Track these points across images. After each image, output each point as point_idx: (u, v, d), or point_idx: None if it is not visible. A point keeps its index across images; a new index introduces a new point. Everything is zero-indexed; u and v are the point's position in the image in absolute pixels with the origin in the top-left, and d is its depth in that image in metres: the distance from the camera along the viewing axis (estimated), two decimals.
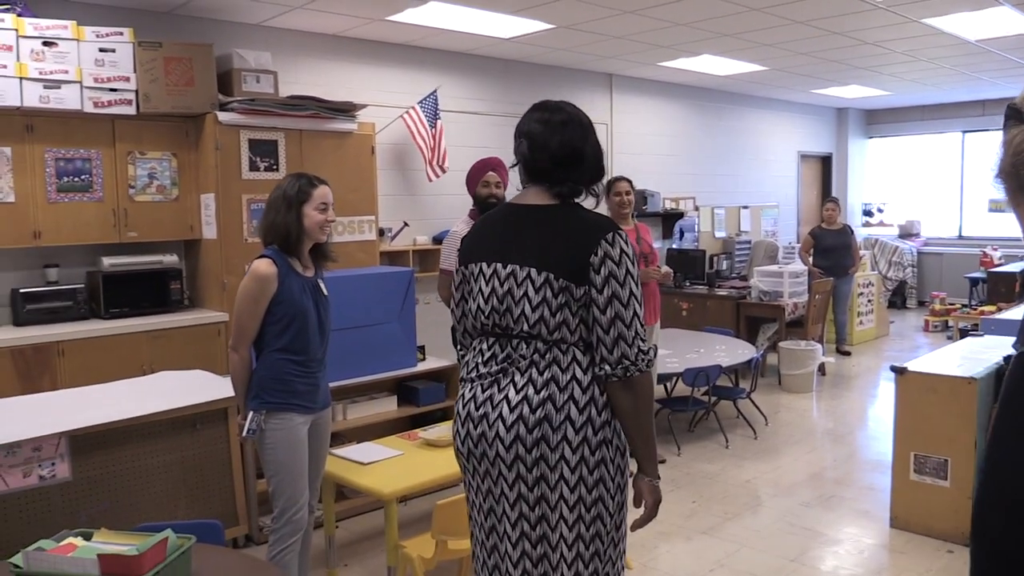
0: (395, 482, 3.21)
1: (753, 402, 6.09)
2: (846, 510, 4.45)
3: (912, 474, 4.09)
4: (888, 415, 6.29)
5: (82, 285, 5.04)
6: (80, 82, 4.72)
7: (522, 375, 2.04)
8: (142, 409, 3.54)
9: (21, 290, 4.83)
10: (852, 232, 8.57)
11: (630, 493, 2.14)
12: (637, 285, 2.00)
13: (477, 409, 2.09)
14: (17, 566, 2.10)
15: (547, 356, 2.03)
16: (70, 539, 2.28)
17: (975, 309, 8.99)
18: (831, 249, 8.23)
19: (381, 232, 6.43)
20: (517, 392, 2.03)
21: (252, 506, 3.95)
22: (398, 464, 3.45)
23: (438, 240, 7.07)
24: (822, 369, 7.54)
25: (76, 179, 4.89)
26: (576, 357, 2.02)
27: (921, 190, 12.55)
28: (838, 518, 4.35)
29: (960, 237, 12.03)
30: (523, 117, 2.18)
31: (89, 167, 4.93)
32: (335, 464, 3.41)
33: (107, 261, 5.06)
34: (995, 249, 10.64)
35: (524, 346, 2.05)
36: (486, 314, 2.10)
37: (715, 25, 6.44)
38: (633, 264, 2.00)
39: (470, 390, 2.13)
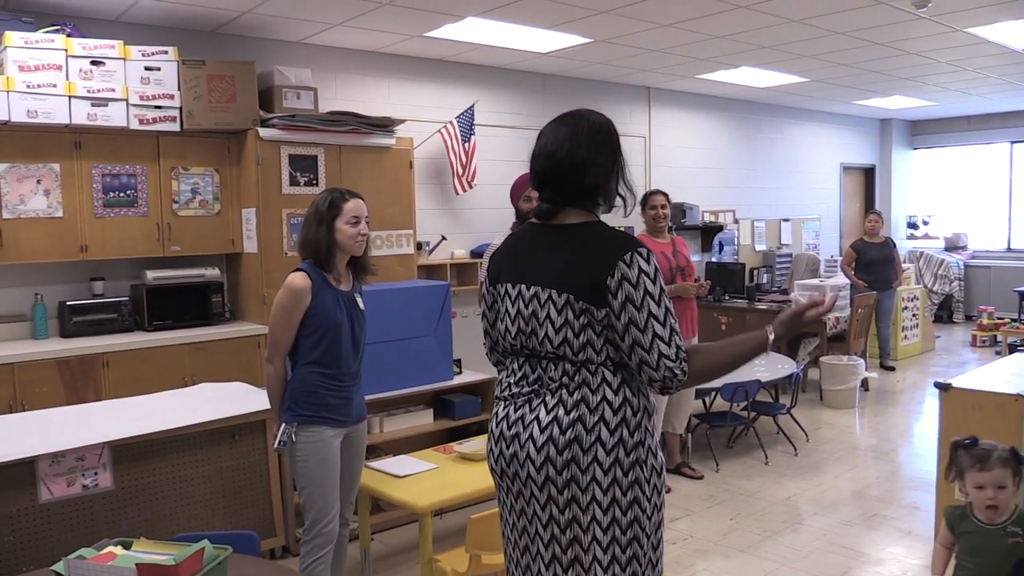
0: (430, 496, 3.21)
1: (793, 418, 6.00)
2: (889, 529, 4.35)
3: (957, 493, 3.97)
4: (933, 432, 6.14)
5: (127, 298, 5.15)
6: (126, 100, 4.85)
7: (552, 396, 2.02)
8: (182, 420, 3.60)
9: (68, 303, 4.95)
10: (895, 245, 8.41)
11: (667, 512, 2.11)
12: (659, 303, 1.92)
13: (509, 429, 2.08)
14: (59, 573, 2.15)
15: (576, 378, 2.00)
16: (110, 548, 2.32)
17: (1023, 323, 8.76)
18: (874, 262, 8.08)
19: (419, 246, 6.48)
20: (548, 413, 2.01)
21: (289, 517, 3.98)
22: (433, 477, 3.45)
23: (476, 254, 7.10)
24: (865, 385, 7.40)
25: (122, 194, 5.01)
26: (606, 378, 1.99)
27: (968, 202, 12.28)
28: (881, 537, 4.25)
29: (1009, 250, 11.73)
30: None
31: (134, 183, 5.05)
32: (370, 476, 3.43)
33: (151, 274, 5.17)
34: None
35: (553, 367, 2.03)
36: (513, 335, 2.10)
37: (754, 37, 6.39)
38: (654, 282, 1.93)
39: (503, 409, 2.12)
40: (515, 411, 2.07)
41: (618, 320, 1.92)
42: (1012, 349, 8.39)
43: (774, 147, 10.47)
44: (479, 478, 3.43)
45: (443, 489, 3.32)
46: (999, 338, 9.35)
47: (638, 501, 1.99)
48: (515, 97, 7.55)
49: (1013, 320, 9.60)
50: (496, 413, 2.15)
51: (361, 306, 3.13)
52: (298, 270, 2.97)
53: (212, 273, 5.41)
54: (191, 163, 5.25)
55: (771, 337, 2.04)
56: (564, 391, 2.00)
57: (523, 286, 2.07)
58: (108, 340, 4.86)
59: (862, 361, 7.09)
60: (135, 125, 4.90)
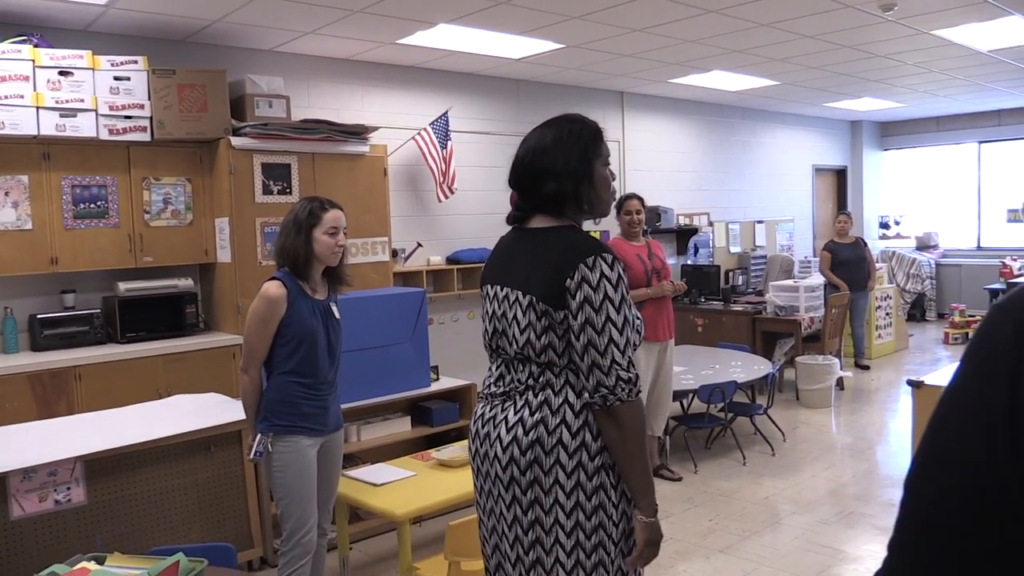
0: (408, 503, 3.20)
1: (770, 418, 6.04)
2: (867, 527, 4.39)
3: None
4: (908, 430, 6.22)
5: (98, 310, 5.09)
6: (96, 110, 4.80)
7: (520, 397, 2.04)
8: (156, 433, 3.56)
9: (39, 316, 4.88)
10: (866, 244, 8.50)
11: None
12: (619, 310, 1.91)
13: (483, 427, 2.12)
14: None
15: (540, 379, 2.01)
16: (83, 563, 2.29)
17: None
18: (846, 262, 8.16)
19: (395, 253, 6.46)
20: (515, 414, 2.03)
21: (267, 528, 3.95)
22: (411, 485, 3.44)
23: (452, 260, 7.09)
24: (840, 384, 7.47)
25: (92, 205, 4.95)
26: (569, 380, 1.99)
27: (938, 201, 12.46)
28: (858, 535, 4.29)
29: (979, 248, 11.91)
30: None
31: (105, 193, 4.99)
32: (348, 485, 3.41)
33: (123, 286, 5.11)
34: (1015, 259, 10.53)
35: (521, 368, 2.05)
36: (490, 335, 2.14)
37: (724, 41, 6.45)
38: (616, 288, 1.92)
39: (481, 408, 2.17)
40: (490, 411, 2.11)
41: (575, 320, 1.92)
42: None
43: (747, 150, 10.56)
44: (457, 485, 3.43)
45: (421, 496, 3.31)
46: (970, 335, 9.47)
47: (603, 507, 1.98)
48: (489, 103, 7.56)
49: None
50: (475, 411, 2.20)
51: (337, 315, 3.12)
52: (273, 279, 2.95)
53: (185, 283, 5.36)
54: (162, 173, 5.21)
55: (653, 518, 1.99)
56: (530, 393, 2.02)
57: (498, 287, 2.11)
58: (80, 353, 4.79)
59: (837, 361, 7.16)
60: (105, 135, 4.85)
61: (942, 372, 4.36)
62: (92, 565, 2.30)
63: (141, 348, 4.95)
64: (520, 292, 2.02)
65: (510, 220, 2.16)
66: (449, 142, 6.70)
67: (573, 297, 1.92)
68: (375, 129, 5.91)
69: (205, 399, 4.22)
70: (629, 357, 1.93)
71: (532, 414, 2.00)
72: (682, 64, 7.32)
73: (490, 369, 2.19)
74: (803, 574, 3.85)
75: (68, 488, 3.33)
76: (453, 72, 7.20)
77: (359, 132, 5.76)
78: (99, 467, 3.39)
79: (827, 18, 5.82)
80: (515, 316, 2.03)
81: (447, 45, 6.17)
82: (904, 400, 7.23)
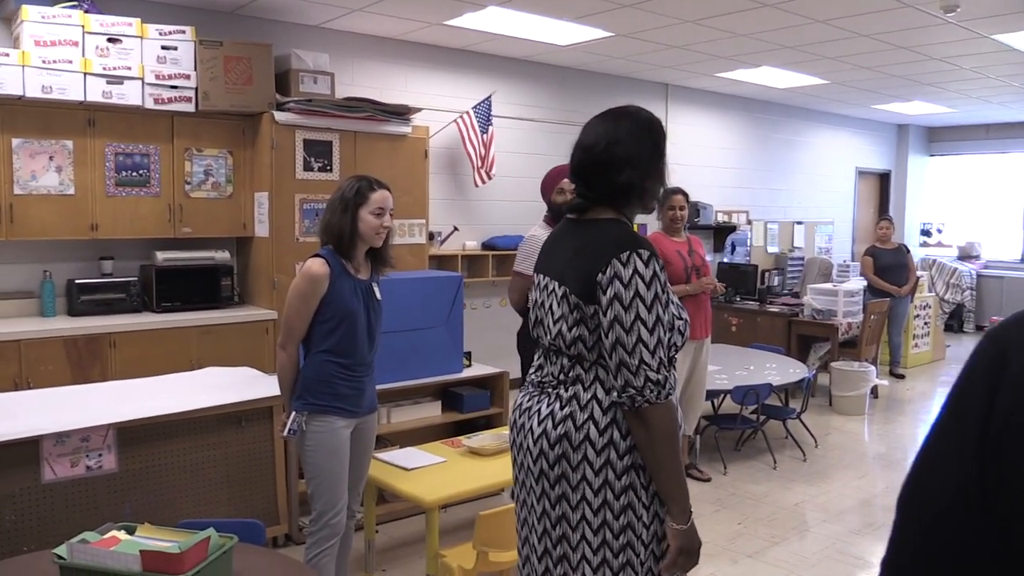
0: (438, 490, 3.17)
1: (803, 423, 5.93)
2: None
3: None
4: None
5: (135, 278, 5.11)
6: (142, 79, 4.80)
7: (552, 390, 2.02)
8: (190, 404, 3.56)
9: (76, 281, 4.91)
10: (908, 251, 8.32)
11: None
12: (650, 309, 1.83)
13: (520, 417, 2.10)
14: (61, 557, 2.10)
15: (571, 373, 1.98)
16: (113, 532, 2.28)
17: None
18: (887, 268, 7.98)
19: (431, 236, 6.43)
20: (547, 407, 2.01)
21: (293, 506, 3.94)
22: (441, 471, 3.41)
23: (487, 246, 7.05)
24: (875, 392, 7.32)
25: (134, 174, 4.96)
26: (599, 376, 1.95)
27: (982, 211, 12.18)
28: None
29: (1022, 261, 11.63)
30: None
31: (147, 162, 5.00)
32: (378, 468, 3.38)
33: (161, 255, 5.12)
34: None
35: (555, 360, 2.03)
36: (533, 324, 2.12)
37: (777, 37, 6.31)
38: (648, 286, 1.84)
39: (520, 397, 2.15)
40: (527, 401, 2.10)
41: (604, 317, 1.86)
42: None
43: (790, 149, 10.38)
44: (488, 473, 3.40)
45: (451, 484, 3.27)
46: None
47: (632, 507, 1.92)
48: (532, 90, 7.48)
49: None
50: (516, 401, 2.18)
51: (378, 296, 3.08)
52: (316, 256, 2.92)
53: (222, 256, 5.37)
54: (205, 144, 5.20)
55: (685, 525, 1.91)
56: (562, 387, 2.00)
57: (542, 276, 2.10)
58: (116, 320, 4.82)
59: (873, 368, 7.02)
60: (150, 104, 4.85)
61: None
62: (122, 534, 2.29)
63: (176, 318, 4.97)
64: (556, 283, 2.00)
65: (570, 210, 2.08)
66: (490, 127, 6.64)
67: (604, 292, 1.87)
68: (418, 110, 5.86)
69: (238, 373, 4.21)
70: (661, 358, 1.85)
71: (561, 408, 1.97)
72: (731, 58, 7.18)
73: (535, 359, 2.16)
74: None
75: (100, 455, 3.34)
76: (498, 56, 7.13)
77: (402, 113, 5.72)
78: (131, 435, 3.39)
79: (886, 17, 5.66)
80: (551, 306, 2.01)
81: (495, 28, 6.10)
82: (936, 412, 7.08)
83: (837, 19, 5.74)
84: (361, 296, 2.98)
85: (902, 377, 8.33)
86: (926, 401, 7.52)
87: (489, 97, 6.69)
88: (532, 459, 2.01)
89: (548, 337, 2.01)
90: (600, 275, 1.87)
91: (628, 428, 1.91)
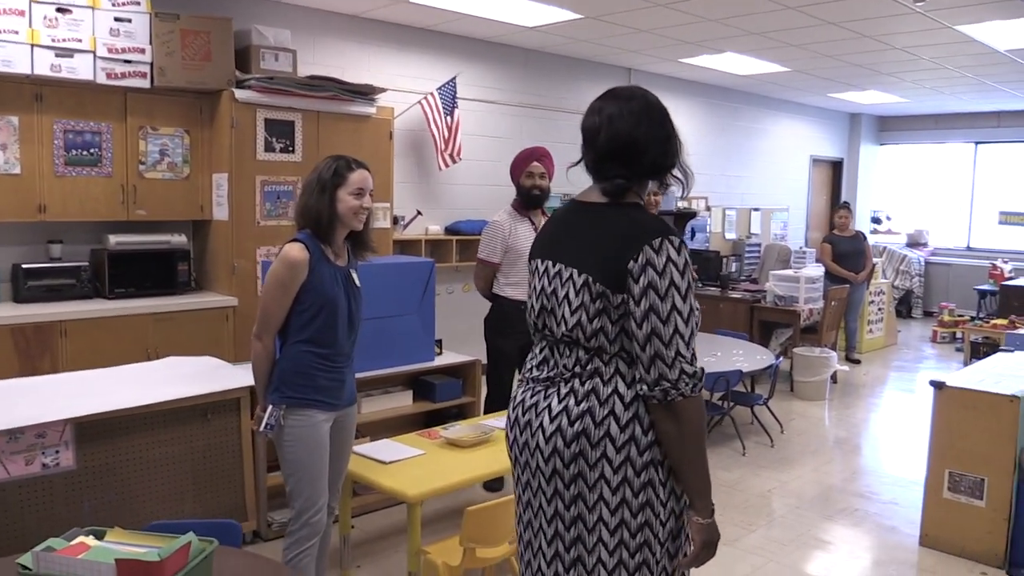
0: (420, 484, 3.05)
1: (769, 409, 5.95)
2: (872, 525, 4.32)
3: (946, 492, 3.96)
4: (904, 427, 6.19)
5: (86, 263, 4.86)
6: (93, 52, 4.53)
7: (565, 385, 1.91)
8: (153, 397, 3.37)
9: (23, 265, 4.64)
10: (865, 238, 8.43)
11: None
12: (685, 298, 1.77)
13: (524, 414, 1.98)
14: (26, 567, 1.94)
15: (588, 367, 1.88)
16: (81, 538, 2.11)
17: (987, 322, 8.88)
18: (845, 255, 8.09)
19: (396, 220, 6.26)
20: (559, 402, 1.90)
21: (262, 501, 3.78)
22: (421, 464, 3.28)
23: (451, 230, 6.91)
24: (834, 377, 7.41)
25: (85, 153, 4.70)
26: (619, 369, 1.86)
27: (930, 199, 12.45)
28: (864, 533, 4.22)
29: (968, 248, 11.93)
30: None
31: (99, 141, 4.74)
32: (355, 462, 3.24)
33: (113, 239, 4.88)
34: (1005, 262, 10.54)
35: (568, 353, 1.92)
36: (536, 313, 2.00)
37: (745, 22, 6.28)
38: (683, 274, 1.78)
39: (521, 393, 2.03)
40: (531, 397, 1.98)
41: (637, 307, 1.77)
42: (975, 346, 8.49)
43: (747, 136, 10.43)
44: (469, 466, 3.30)
45: (433, 477, 3.15)
46: (959, 335, 9.50)
47: (651, 504, 1.86)
48: (496, 72, 7.33)
49: (974, 318, 9.75)
50: (515, 397, 2.06)
51: (357, 283, 2.94)
52: (294, 240, 2.76)
53: (178, 240, 5.14)
54: (160, 123, 4.95)
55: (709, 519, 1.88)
56: (576, 380, 1.89)
57: (550, 262, 1.97)
58: (66, 307, 4.57)
59: (834, 353, 7.10)
60: (102, 79, 4.59)
61: (959, 374, 4.27)
62: (91, 540, 2.12)
63: (130, 305, 4.73)
64: (575, 270, 1.88)
65: (615, 192, 1.91)
66: (456, 109, 6.48)
67: (636, 282, 1.77)
68: (383, 90, 5.68)
69: (201, 362, 4.02)
70: (694, 349, 1.80)
71: (578, 403, 1.87)
72: (697, 43, 7.14)
73: (533, 351, 2.06)
74: (811, 571, 3.76)
75: (57, 452, 3.14)
76: (463, 37, 6.97)
77: (367, 93, 5.53)
78: (90, 430, 3.19)
79: (856, 4, 5.66)
80: (566, 295, 1.89)
81: (460, 7, 5.93)
82: (896, 396, 7.24)
83: (807, 6, 5.72)
84: (341, 283, 2.84)
85: (858, 362, 8.47)
86: (882, 386, 7.64)
87: (454, 79, 6.53)
88: (543, 458, 1.91)
89: (563, 328, 1.90)
90: (631, 262, 1.78)
91: (650, 423, 1.84)
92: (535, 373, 2.00)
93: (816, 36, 6.69)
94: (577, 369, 1.89)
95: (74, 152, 4.66)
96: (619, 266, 1.79)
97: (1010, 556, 3.77)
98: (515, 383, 4.61)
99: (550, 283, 1.95)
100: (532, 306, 2.02)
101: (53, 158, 4.59)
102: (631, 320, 1.80)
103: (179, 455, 3.48)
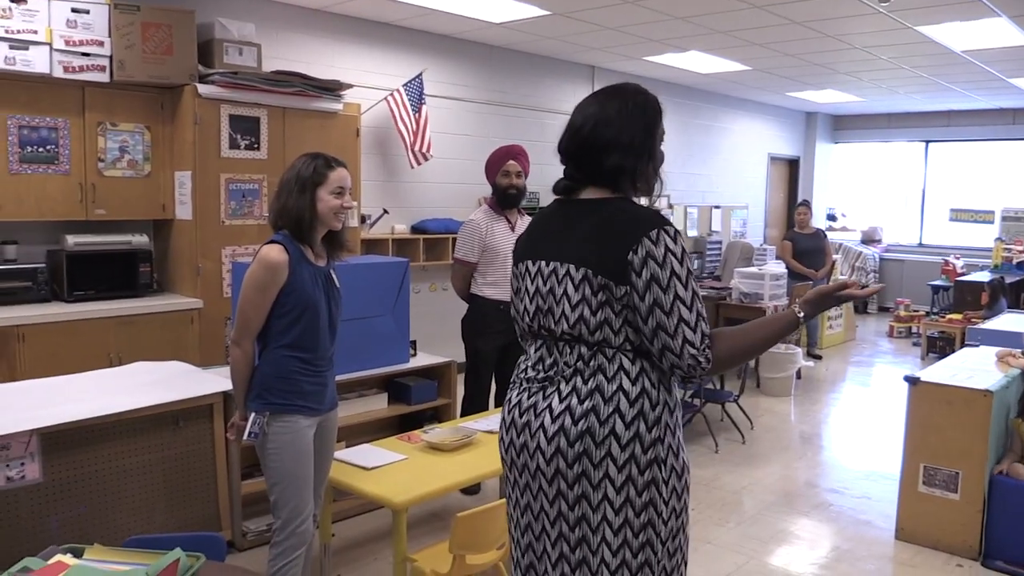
0: (405, 490, 2.97)
1: (740, 406, 5.99)
2: (848, 520, 4.36)
3: (921, 486, 4.01)
4: (867, 421, 6.29)
5: (43, 264, 4.67)
6: (49, 44, 4.35)
7: (567, 383, 1.87)
8: (122, 405, 3.23)
9: None
10: (825, 236, 8.57)
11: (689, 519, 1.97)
12: (686, 285, 1.77)
13: (521, 416, 1.94)
14: None
15: (591, 363, 1.85)
16: (59, 557, 2.01)
17: (942, 317, 9.08)
18: (805, 253, 8.21)
19: (363, 219, 6.15)
20: (561, 401, 1.86)
21: (236, 510, 3.66)
22: (404, 469, 3.20)
23: (417, 229, 6.82)
24: (798, 373, 7.50)
25: (41, 149, 4.51)
26: (623, 365, 1.84)
27: (883, 197, 12.71)
28: (841, 529, 4.25)
29: (921, 245, 12.20)
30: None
31: (55, 137, 4.55)
32: (335, 468, 3.15)
33: (71, 239, 4.69)
34: (957, 258, 10.79)
35: (569, 351, 1.88)
36: (531, 315, 1.96)
37: (711, 21, 6.30)
38: (682, 262, 1.78)
39: (516, 395, 1.98)
40: (528, 398, 1.94)
41: (641, 301, 1.78)
42: (931, 341, 8.68)
43: (707, 134, 10.51)
44: (453, 470, 3.23)
45: (418, 482, 3.07)
46: (914, 329, 9.71)
47: (653, 503, 1.85)
48: (461, 68, 7.25)
49: (930, 313, 9.96)
50: (509, 399, 2.01)
51: (337, 284, 2.85)
52: (273, 242, 2.66)
53: (140, 240, 4.97)
54: (120, 119, 4.78)
55: (800, 316, 1.92)
56: (579, 378, 1.86)
57: (542, 262, 1.94)
58: (23, 311, 4.38)
59: (800, 350, 7.18)
60: (59, 73, 4.41)
61: (932, 369, 4.32)
62: (69, 559, 2.02)
63: (89, 308, 4.56)
64: (572, 265, 1.86)
65: (558, 190, 1.99)
66: (423, 105, 6.39)
67: (638, 275, 1.77)
68: (350, 86, 5.57)
69: (168, 368, 3.88)
70: (703, 330, 1.78)
71: (582, 402, 1.84)
72: (662, 41, 7.15)
73: (527, 352, 2.02)
74: (793, 566, 3.78)
75: (22, 464, 2.98)
76: (429, 33, 6.88)
77: (333, 88, 5.42)
78: (57, 441, 3.05)
79: (822, 5, 5.72)
80: (565, 292, 1.86)
81: (426, 2, 5.84)
82: (857, 391, 7.36)
83: (773, 5, 5.76)
84: (321, 284, 2.75)
85: (819, 358, 8.58)
86: (843, 381, 7.77)
87: (420, 75, 6.44)
88: (544, 459, 1.87)
89: (564, 326, 1.87)
90: (631, 254, 1.77)
91: (655, 420, 1.84)
92: (530, 373, 1.96)
93: (779, 35, 6.75)
94: (580, 365, 1.86)
95: (29, 149, 4.47)
96: (619, 256, 1.79)
97: (984, 548, 3.84)
98: (492, 384, 4.57)
99: (545, 283, 1.92)
100: (525, 309, 1.98)
101: (7, 155, 4.40)
102: (636, 315, 1.80)
103: (150, 465, 3.35)
